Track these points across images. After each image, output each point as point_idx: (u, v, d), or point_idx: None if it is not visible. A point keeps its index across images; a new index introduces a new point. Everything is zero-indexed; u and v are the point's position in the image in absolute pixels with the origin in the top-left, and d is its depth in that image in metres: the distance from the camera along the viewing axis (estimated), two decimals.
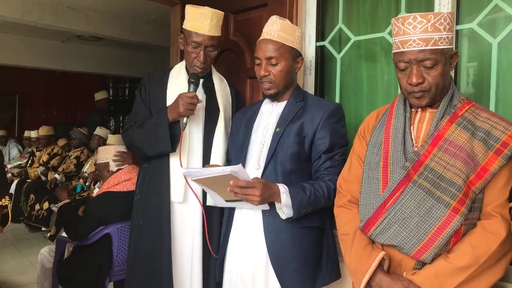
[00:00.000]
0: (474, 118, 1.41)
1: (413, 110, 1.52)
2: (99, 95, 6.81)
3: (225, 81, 2.28)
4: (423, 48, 1.37)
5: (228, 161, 2.11)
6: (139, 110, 2.17)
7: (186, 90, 2.01)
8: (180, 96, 1.98)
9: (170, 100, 2.07)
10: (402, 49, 1.41)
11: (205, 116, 2.14)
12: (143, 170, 2.21)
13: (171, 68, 2.24)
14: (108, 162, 3.09)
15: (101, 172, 3.14)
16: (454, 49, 1.44)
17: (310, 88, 2.38)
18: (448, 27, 1.38)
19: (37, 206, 5.45)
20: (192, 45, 2.05)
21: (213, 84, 2.20)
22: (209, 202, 2.02)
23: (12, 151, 8.01)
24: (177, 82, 2.13)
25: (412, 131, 1.49)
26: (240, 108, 2.27)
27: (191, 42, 2.04)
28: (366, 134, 1.63)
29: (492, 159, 1.34)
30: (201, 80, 2.13)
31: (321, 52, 2.44)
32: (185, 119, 1.98)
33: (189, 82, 2.02)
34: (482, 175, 1.34)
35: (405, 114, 1.51)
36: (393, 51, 1.47)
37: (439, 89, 1.42)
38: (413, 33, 1.38)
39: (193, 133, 2.10)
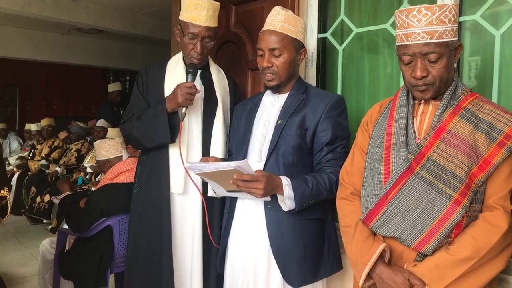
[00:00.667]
0: (477, 110, 1.40)
1: (416, 102, 1.51)
2: (112, 87, 6.62)
3: (223, 72, 2.27)
4: (428, 41, 1.35)
5: (229, 153, 2.11)
6: (137, 102, 2.16)
7: (184, 81, 2.00)
8: (178, 86, 1.97)
9: (168, 91, 2.06)
10: (406, 42, 1.39)
11: (204, 107, 2.14)
12: (142, 163, 2.20)
13: (168, 60, 2.23)
14: (107, 159, 3.09)
15: (102, 168, 3.16)
16: (458, 41, 1.43)
17: (311, 80, 2.37)
18: (453, 19, 1.36)
19: (38, 199, 5.46)
20: (189, 37, 2.04)
21: (211, 75, 2.20)
22: (210, 193, 2.02)
23: (13, 144, 8.01)
24: (175, 74, 2.12)
25: (415, 123, 1.48)
26: (238, 99, 2.26)
27: (187, 33, 2.03)
28: (369, 126, 1.62)
29: (495, 152, 1.33)
30: (199, 72, 2.12)
31: (323, 44, 2.42)
32: (184, 109, 1.98)
33: (187, 72, 2.02)
34: (484, 168, 1.33)
35: (408, 106, 1.50)
36: (397, 44, 1.45)
37: (443, 82, 1.41)
38: (418, 26, 1.36)
39: (192, 124, 2.10)
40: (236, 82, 2.36)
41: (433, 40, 1.35)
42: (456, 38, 1.40)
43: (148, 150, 2.15)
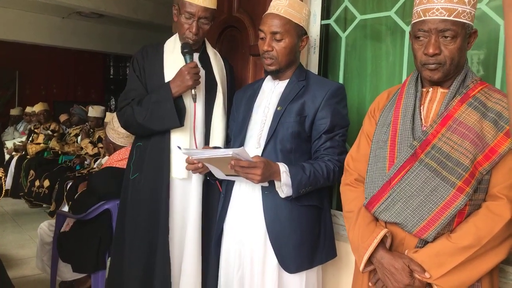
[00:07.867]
0: (486, 99, 1.39)
1: (424, 90, 1.50)
2: None
3: (219, 55, 2.25)
4: (446, 18, 1.35)
5: (229, 140, 2.10)
6: (135, 87, 2.11)
7: (184, 63, 1.99)
8: (183, 70, 1.96)
9: (168, 75, 2.04)
10: (423, 18, 1.39)
11: (205, 90, 2.12)
12: (139, 149, 2.15)
13: (163, 43, 2.19)
14: (114, 143, 3.24)
15: (106, 146, 3.36)
16: (473, 27, 1.42)
17: (313, 67, 2.35)
18: (472, 2, 1.36)
19: (37, 183, 5.45)
20: (186, 16, 2.02)
21: (209, 58, 2.18)
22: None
23: (20, 127, 8.00)
24: (173, 57, 2.10)
25: (422, 110, 1.47)
26: (234, 83, 2.25)
27: (184, 12, 2.01)
28: (376, 113, 1.61)
29: (502, 141, 1.32)
30: (197, 54, 2.11)
31: (325, 31, 2.39)
32: (193, 90, 1.98)
33: (184, 54, 2.00)
34: (490, 156, 1.32)
35: (416, 94, 1.49)
36: (413, 21, 1.44)
37: (454, 64, 1.40)
38: (437, 1, 1.36)
39: (196, 108, 2.07)
40: (231, 65, 2.34)
41: (451, 18, 1.34)
42: (473, 24, 1.39)
43: (146, 136, 2.11)
